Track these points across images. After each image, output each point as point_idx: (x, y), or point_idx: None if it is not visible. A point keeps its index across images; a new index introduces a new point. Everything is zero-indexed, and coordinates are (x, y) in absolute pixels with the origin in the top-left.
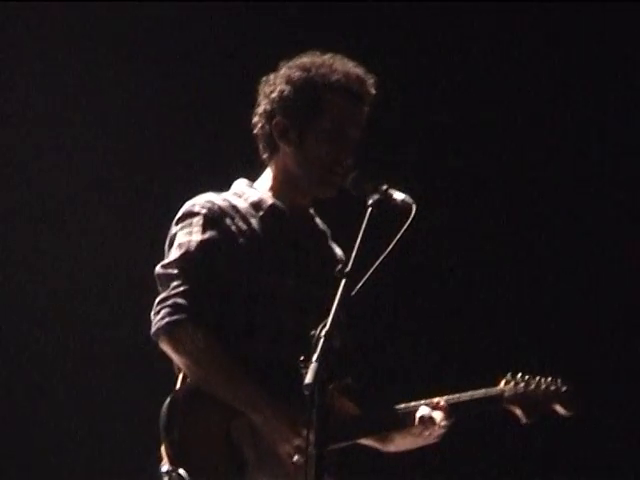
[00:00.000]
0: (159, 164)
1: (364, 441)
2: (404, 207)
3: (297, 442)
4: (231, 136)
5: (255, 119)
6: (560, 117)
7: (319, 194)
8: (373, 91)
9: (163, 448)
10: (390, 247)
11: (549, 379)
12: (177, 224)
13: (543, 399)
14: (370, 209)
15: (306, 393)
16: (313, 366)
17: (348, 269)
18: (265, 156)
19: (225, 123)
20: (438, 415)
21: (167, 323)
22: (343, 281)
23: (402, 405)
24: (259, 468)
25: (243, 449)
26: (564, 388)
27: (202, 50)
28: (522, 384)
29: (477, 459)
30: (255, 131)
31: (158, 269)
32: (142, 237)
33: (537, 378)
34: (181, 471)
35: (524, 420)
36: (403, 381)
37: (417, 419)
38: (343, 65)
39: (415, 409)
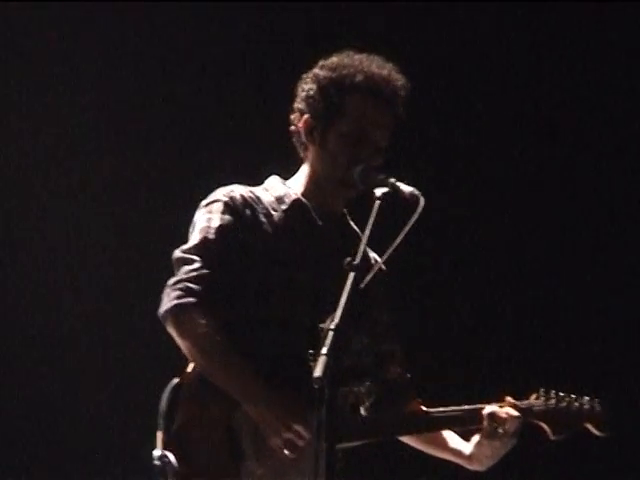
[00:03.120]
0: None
1: (452, 458)
2: (412, 199)
3: (287, 436)
4: (264, 132)
5: (291, 116)
6: (563, 116)
7: (341, 195)
8: (401, 93)
9: (159, 432)
10: (398, 239)
11: (583, 397)
12: (200, 210)
13: (575, 417)
14: (378, 202)
15: (315, 386)
16: (322, 359)
17: (356, 262)
18: (301, 151)
19: (257, 119)
20: (507, 409)
21: (174, 305)
22: (351, 274)
23: (460, 407)
24: (257, 459)
25: (242, 440)
26: (598, 408)
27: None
28: (553, 400)
29: None
30: (291, 128)
31: (177, 253)
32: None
33: (570, 396)
34: (169, 454)
35: (552, 437)
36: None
37: (485, 416)
38: (371, 66)
39: (479, 409)
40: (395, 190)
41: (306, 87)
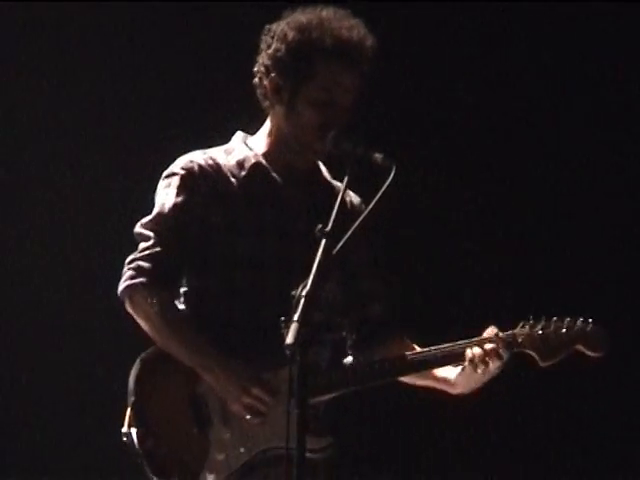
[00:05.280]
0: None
1: (437, 385)
2: (384, 166)
3: (247, 400)
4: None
5: (255, 69)
6: (556, 104)
7: (308, 157)
8: (370, 55)
9: (128, 409)
10: (370, 206)
11: (574, 319)
12: (161, 181)
13: (565, 340)
14: (350, 168)
15: (287, 353)
16: (294, 326)
17: (328, 228)
18: (265, 105)
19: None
20: (489, 346)
21: (127, 286)
22: (323, 241)
23: (444, 346)
24: (224, 424)
25: (208, 406)
26: (589, 327)
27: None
28: (539, 325)
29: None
30: (254, 81)
31: (136, 227)
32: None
33: (559, 320)
34: (132, 430)
35: (541, 364)
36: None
37: (467, 358)
38: (340, 27)
39: (462, 351)
40: (367, 156)
41: (273, 45)
